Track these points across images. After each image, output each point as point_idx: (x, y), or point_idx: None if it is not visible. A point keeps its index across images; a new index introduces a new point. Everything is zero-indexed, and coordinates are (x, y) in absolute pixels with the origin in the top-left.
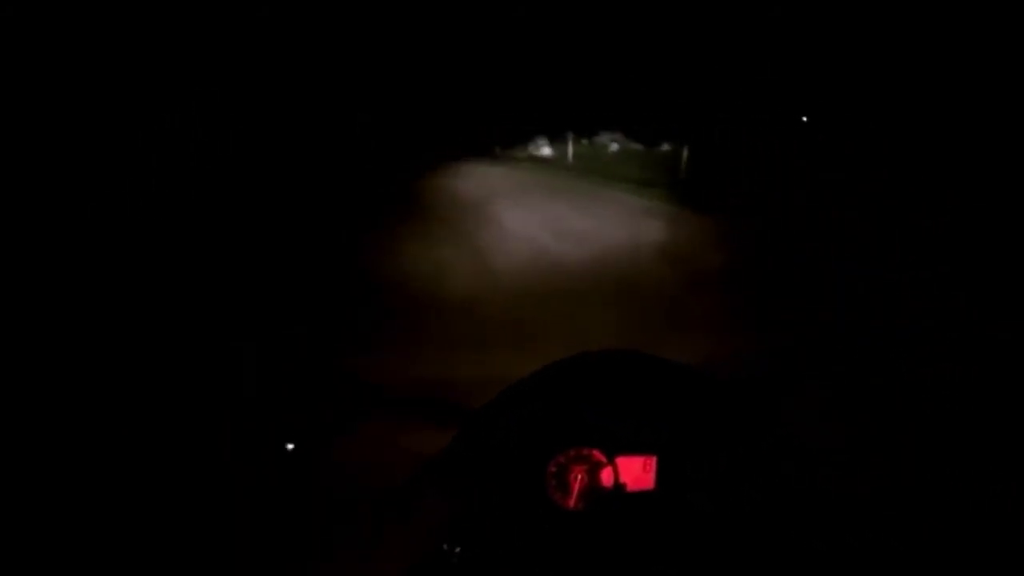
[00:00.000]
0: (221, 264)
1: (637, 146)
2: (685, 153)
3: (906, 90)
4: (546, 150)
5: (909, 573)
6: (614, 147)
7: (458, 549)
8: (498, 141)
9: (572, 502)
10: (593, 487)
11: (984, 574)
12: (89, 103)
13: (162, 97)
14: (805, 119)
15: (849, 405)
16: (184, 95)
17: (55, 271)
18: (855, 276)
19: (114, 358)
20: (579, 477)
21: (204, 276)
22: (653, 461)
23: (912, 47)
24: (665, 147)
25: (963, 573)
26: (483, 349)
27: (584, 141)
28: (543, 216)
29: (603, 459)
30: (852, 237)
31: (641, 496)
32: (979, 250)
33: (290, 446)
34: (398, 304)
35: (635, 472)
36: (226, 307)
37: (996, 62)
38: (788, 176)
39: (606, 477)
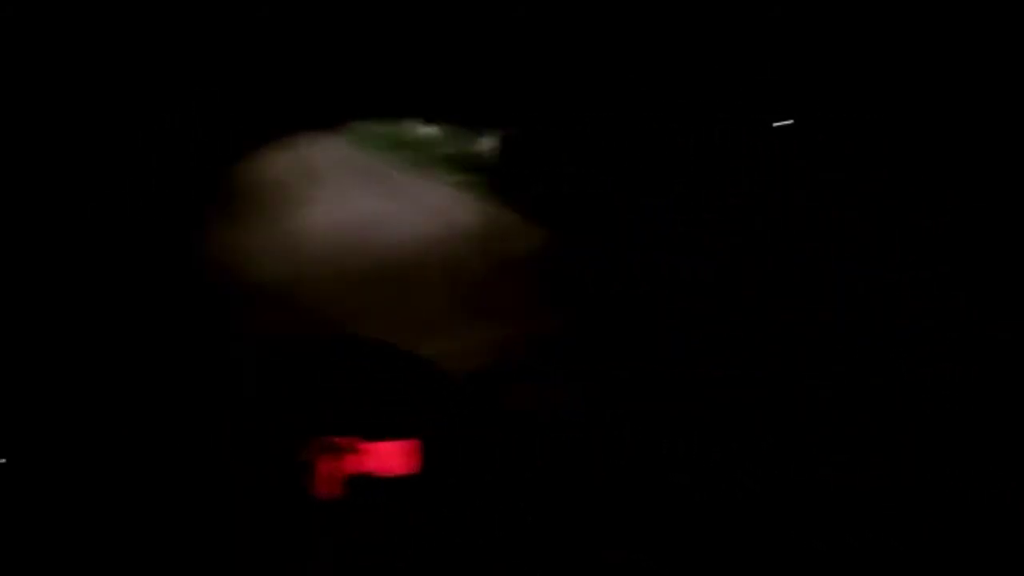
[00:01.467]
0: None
1: (461, 130)
2: (505, 140)
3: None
4: (365, 129)
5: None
6: (434, 130)
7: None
8: (315, 118)
9: (330, 491)
10: (351, 474)
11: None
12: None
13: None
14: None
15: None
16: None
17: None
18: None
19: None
20: (335, 465)
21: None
22: (413, 446)
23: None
24: (487, 134)
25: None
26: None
27: (400, 122)
28: (357, 199)
29: (360, 445)
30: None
31: (402, 481)
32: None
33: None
34: (204, 293)
35: (395, 457)
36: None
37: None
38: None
39: (364, 463)
